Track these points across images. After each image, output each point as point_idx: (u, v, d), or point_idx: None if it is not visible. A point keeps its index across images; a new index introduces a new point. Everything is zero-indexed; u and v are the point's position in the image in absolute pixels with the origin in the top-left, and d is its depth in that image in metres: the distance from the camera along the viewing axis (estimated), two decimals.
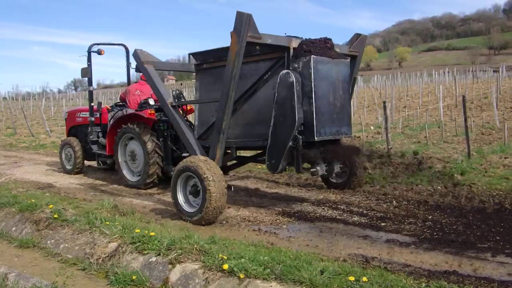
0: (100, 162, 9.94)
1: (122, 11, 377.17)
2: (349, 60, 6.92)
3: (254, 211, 6.56)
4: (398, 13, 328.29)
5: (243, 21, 5.74)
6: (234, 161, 7.88)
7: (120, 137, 8.84)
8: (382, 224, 5.75)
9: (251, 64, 6.76)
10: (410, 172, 8.15)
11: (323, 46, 6.42)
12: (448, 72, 44.33)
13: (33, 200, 6.06)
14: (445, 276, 3.94)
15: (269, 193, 7.81)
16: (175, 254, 4.08)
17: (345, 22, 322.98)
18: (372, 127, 15.19)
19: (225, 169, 7.54)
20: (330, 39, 6.63)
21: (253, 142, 6.95)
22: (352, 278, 3.47)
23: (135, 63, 7.78)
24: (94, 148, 9.84)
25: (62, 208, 5.72)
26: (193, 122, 8.31)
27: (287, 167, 6.48)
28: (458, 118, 14.96)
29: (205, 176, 5.77)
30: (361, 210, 6.46)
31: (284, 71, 6.20)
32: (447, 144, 11.34)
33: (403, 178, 7.95)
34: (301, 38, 6.60)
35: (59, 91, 77.72)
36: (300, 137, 6.12)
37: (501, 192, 6.90)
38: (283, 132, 6.15)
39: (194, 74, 7.97)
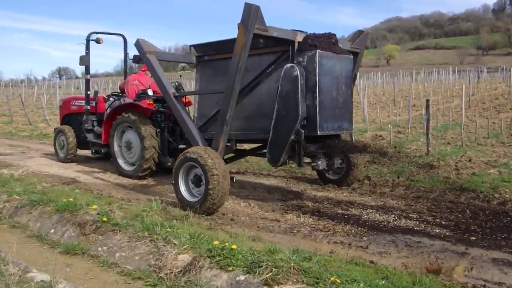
0: (94, 151, 9.88)
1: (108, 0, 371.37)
2: (352, 56, 6.97)
3: (315, 218, 5.96)
4: (386, 10, 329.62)
5: (251, 13, 5.72)
6: (232, 154, 7.88)
7: (116, 126, 8.77)
8: (472, 238, 5.19)
9: (255, 57, 6.74)
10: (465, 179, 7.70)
11: (328, 41, 6.46)
12: (445, 71, 44.62)
13: (71, 199, 5.41)
14: None
15: (320, 196, 7.18)
16: (270, 274, 3.48)
17: (330, 18, 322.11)
18: (390, 126, 15.02)
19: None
20: (334, 35, 6.66)
21: (254, 135, 6.98)
22: None
23: (132, 54, 7.73)
24: (89, 136, 9.76)
25: (109, 210, 5.07)
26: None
27: (287, 160, 6.50)
28: (476, 119, 14.89)
29: (208, 166, 5.77)
30: (435, 219, 5.92)
31: (289, 65, 6.22)
32: (482, 146, 10.67)
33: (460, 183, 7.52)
34: (306, 32, 6.62)
35: (44, 79, 76.60)
36: (303, 131, 6.16)
37: None
38: (285, 125, 6.18)
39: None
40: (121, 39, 10.45)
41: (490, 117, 15.27)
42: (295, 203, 6.60)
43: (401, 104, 21.97)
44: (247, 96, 6.97)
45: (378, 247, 4.85)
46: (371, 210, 6.35)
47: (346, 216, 6.04)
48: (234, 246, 3.92)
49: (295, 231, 5.35)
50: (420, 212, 6.26)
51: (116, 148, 8.83)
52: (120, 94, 9.60)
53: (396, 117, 16.62)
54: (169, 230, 4.40)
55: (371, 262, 4.26)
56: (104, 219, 4.79)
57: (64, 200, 5.38)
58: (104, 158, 10.04)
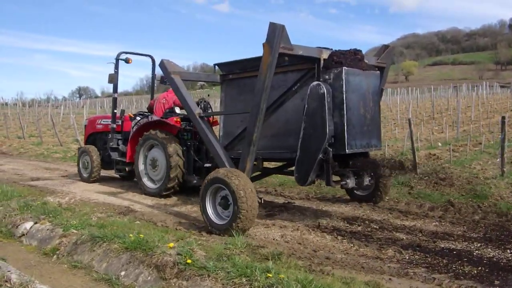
0: (117, 169, 9.95)
1: (123, 21, 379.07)
2: (378, 72, 6.92)
3: (421, 255, 5.31)
4: (402, 27, 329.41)
5: (276, 32, 5.72)
6: (259, 172, 7.83)
7: (142, 143, 8.83)
8: None
9: (280, 75, 6.74)
10: None
11: (354, 58, 6.41)
12: (477, 86, 44.02)
13: (141, 236, 4.81)
14: None
15: (407, 226, 6.58)
16: None
17: (348, 35, 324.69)
18: (440, 144, 14.34)
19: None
20: (360, 51, 6.62)
21: (281, 154, 6.92)
22: None
23: (159, 74, 7.79)
24: (114, 155, 9.84)
25: (190, 249, 4.41)
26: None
27: (315, 179, 6.39)
28: None
29: (236, 188, 5.70)
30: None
31: (315, 83, 6.18)
32: None
33: None
34: (331, 49, 6.60)
35: (64, 99, 78.05)
36: (331, 149, 6.07)
37: None
38: (313, 144, 6.10)
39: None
40: (146, 59, 10.62)
41: None
42: (387, 236, 6.08)
43: (441, 120, 21.21)
44: (273, 114, 6.94)
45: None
46: (477, 244, 5.69)
47: (455, 252, 5.40)
48: None
49: (411, 273, 4.68)
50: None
51: (141, 166, 8.87)
52: (147, 113, 9.70)
53: (440, 134, 16.15)
54: (270, 275, 3.73)
55: None
56: (188, 261, 4.12)
57: (132, 236, 4.79)
58: (127, 177, 10.10)
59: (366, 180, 6.88)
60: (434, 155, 11.98)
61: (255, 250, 4.99)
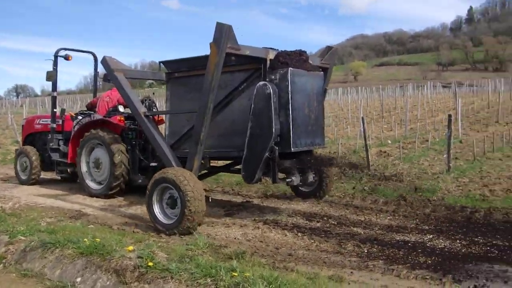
0: (59, 171, 9.56)
1: (68, 15, 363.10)
2: (322, 72, 7.09)
3: (378, 248, 5.48)
4: (351, 28, 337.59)
5: (223, 32, 5.71)
6: (205, 171, 7.79)
7: (84, 143, 8.51)
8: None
9: (227, 75, 6.70)
10: None
11: (299, 59, 6.56)
12: (421, 86, 45.76)
13: (97, 240, 4.64)
14: None
15: (364, 222, 6.72)
16: None
17: (298, 35, 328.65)
18: (389, 141, 14.57)
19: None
20: (305, 52, 6.76)
21: (228, 153, 6.93)
22: None
23: (103, 72, 7.55)
24: (54, 156, 9.44)
25: (150, 251, 4.27)
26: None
27: (262, 177, 6.49)
28: (469, 133, 15.17)
29: (184, 188, 5.63)
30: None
31: (261, 83, 6.22)
32: (491, 160, 10.65)
33: None
34: (277, 50, 6.66)
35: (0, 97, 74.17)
36: (277, 148, 6.17)
37: None
38: (260, 143, 6.17)
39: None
40: (88, 56, 10.26)
41: (481, 131, 15.52)
42: (345, 231, 6.22)
43: (389, 119, 21.79)
44: (220, 114, 6.91)
45: (473, 281, 4.42)
46: (430, 235, 5.98)
47: (410, 244, 5.64)
48: None
49: (370, 265, 4.80)
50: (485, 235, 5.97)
51: (84, 167, 8.56)
52: (89, 112, 9.37)
53: (389, 132, 16.56)
54: (235, 274, 3.66)
55: None
56: (150, 263, 3.99)
57: (87, 241, 4.61)
58: (70, 179, 9.73)
59: (310, 177, 7.13)
60: (385, 152, 12.43)
61: (218, 249, 4.98)
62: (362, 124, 11.18)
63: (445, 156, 10.19)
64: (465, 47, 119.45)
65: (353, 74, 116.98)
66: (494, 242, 5.70)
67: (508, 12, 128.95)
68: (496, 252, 5.34)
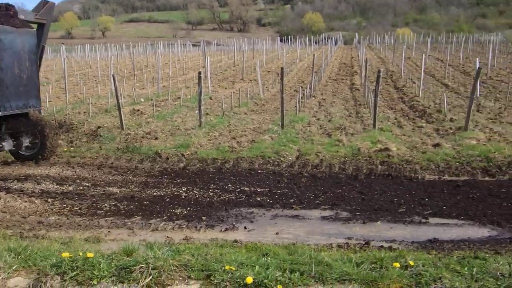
0: None
1: None
2: (35, 29, 6.45)
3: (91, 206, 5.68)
4: None
5: None
6: None
7: None
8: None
9: None
10: None
11: (5, 14, 5.72)
12: (172, 44, 45.97)
13: None
14: None
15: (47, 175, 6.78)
16: (150, 278, 3.00)
17: None
18: (142, 99, 14.17)
19: None
20: (12, 6, 5.89)
21: None
22: None
23: None
24: None
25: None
26: None
27: None
28: (218, 89, 15.97)
29: None
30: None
31: None
32: (237, 114, 11.58)
33: None
34: None
35: None
36: None
37: None
38: None
39: None
40: None
41: (229, 87, 16.71)
42: (100, 192, 6.27)
43: (141, 77, 21.78)
44: None
45: (224, 225, 4.94)
46: (185, 188, 6.41)
47: (166, 198, 6.05)
48: (90, 255, 3.24)
49: (129, 223, 5.09)
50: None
51: None
52: None
53: (142, 90, 16.53)
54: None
55: (235, 241, 4.34)
56: None
57: None
58: None
59: (26, 142, 6.78)
60: (138, 110, 12.37)
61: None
62: (113, 82, 10.73)
63: (196, 112, 10.74)
64: (212, 7, 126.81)
65: (101, 30, 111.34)
66: (242, 188, 6.42)
67: None
68: (244, 197, 6.04)
